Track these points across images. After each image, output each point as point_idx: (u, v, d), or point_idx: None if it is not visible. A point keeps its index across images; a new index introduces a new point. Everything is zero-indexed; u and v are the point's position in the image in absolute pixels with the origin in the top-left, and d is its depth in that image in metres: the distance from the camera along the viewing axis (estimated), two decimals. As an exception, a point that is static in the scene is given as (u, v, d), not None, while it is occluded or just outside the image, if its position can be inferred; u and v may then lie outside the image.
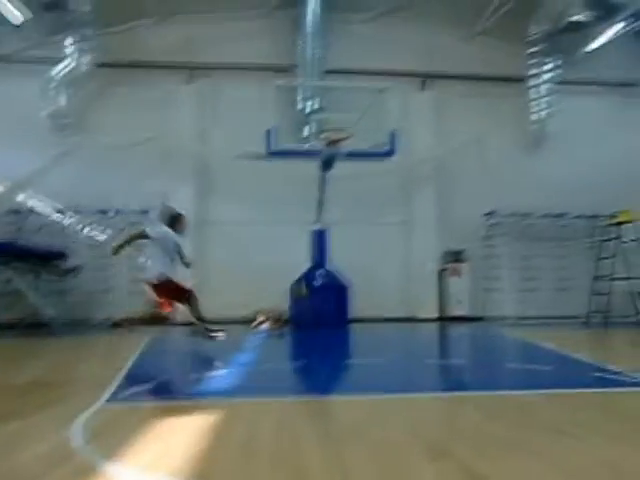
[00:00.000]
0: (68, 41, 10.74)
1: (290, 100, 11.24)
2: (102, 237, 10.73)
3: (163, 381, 4.74)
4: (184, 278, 7.39)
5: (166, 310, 7.00)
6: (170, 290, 6.92)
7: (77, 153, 10.75)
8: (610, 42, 11.35)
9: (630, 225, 10.88)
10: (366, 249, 11.49)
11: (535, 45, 11.82)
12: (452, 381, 5.21)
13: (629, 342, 8.85)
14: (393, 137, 10.21)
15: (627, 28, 11.08)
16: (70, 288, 10.26)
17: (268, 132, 10.00)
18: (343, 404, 3.81)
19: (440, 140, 12.05)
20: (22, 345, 7.94)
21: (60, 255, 10.07)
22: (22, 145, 10.39)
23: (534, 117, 12.12)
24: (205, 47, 11.66)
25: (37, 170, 10.39)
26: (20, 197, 10.61)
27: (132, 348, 6.53)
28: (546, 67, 11.96)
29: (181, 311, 7.35)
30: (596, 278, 11.12)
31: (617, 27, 11.02)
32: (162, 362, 6.47)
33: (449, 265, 11.86)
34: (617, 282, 10.71)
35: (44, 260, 9.77)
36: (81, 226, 10.78)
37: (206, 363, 6.19)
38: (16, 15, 9.87)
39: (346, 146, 9.50)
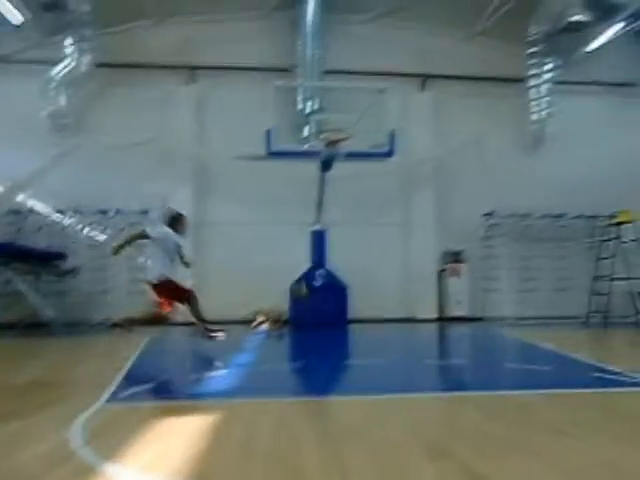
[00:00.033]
0: (68, 41, 10.73)
1: (289, 101, 11.23)
2: (102, 237, 10.73)
3: (162, 381, 4.74)
4: (184, 278, 7.40)
5: (166, 310, 7.01)
6: (170, 290, 6.92)
7: (76, 153, 10.74)
8: (610, 42, 11.35)
9: (630, 225, 10.88)
10: (365, 249, 11.49)
11: (534, 45, 11.82)
12: (452, 381, 5.21)
13: (629, 342, 8.85)
14: (392, 137, 10.21)
15: (627, 28, 11.08)
16: (70, 288, 10.26)
17: (267, 132, 10.00)
18: (342, 404, 3.81)
19: (439, 140, 12.05)
20: (22, 345, 7.94)
21: (60, 255, 10.07)
22: (22, 145, 10.38)
23: (533, 117, 12.12)
24: (204, 48, 11.66)
25: (37, 170, 10.38)
26: (20, 197, 10.60)
27: (132, 348, 6.53)
28: (545, 67, 11.96)
29: (181, 311, 7.35)
30: (596, 278, 11.13)
31: (616, 27, 11.02)
32: (161, 362, 6.47)
33: (448, 265, 11.86)
34: (617, 282, 10.70)
35: (44, 260, 9.77)
36: (81, 226, 10.77)
37: (205, 363, 6.19)
38: (16, 15, 9.86)
39: (345, 146, 9.50)
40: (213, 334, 7.26)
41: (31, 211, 10.58)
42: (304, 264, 10.24)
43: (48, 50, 10.75)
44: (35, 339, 8.42)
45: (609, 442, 2.72)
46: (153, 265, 7.07)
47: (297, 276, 10.12)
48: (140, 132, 10.86)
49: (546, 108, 12.01)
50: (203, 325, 7.26)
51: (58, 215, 10.69)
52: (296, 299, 9.95)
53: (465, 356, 7.41)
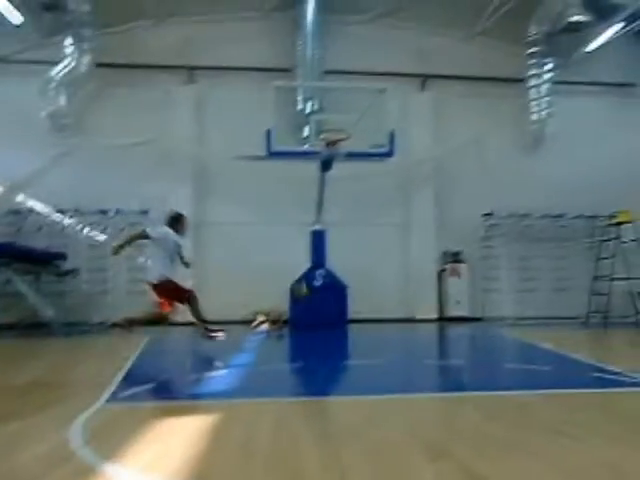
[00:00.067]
0: (67, 42, 10.74)
1: (289, 101, 11.24)
2: (102, 238, 10.73)
3: (162, 381, 4.74)
4: (184, 278, 7.40)
5: (166, 310, 7.01)
6: (170, 290, 6.93)
7: (76, 154, 10.75)
8: (609, 43, 11.36)
9: (629, 225, 10.89)
10: (365, 249, 11.50)
11: (534, 45, 11.84)
12: (451, 381, 5.21)
13: (628, 342, 8.85)
14: (392, 138, 10.22)
15: (626, 29, 11.10)
16: (69, 289, 10.26)
17: (267, 133, 10.00)
18: (342, 405, 3.81)
19: (439, 141, 12.06)
20: (21, 346, 7.94)
21: (59, 256, 10.07)
22: (21, 145, 10.39)
23: (533, 117, 12.13)
24: (204, 48, 11.66)
25: (36, 170, 10.39)
26: (19, 197, 10.60)
27: (132, 348, 6.53)
28: (545, 67, 11.98)
29: (181, 311, 7.36)
30: (595, 278, 11.13)
31: (616, 28, 11.04)
32: (161, 362, 6.47)
33: (448, 266, 11.86)
34: (616, 282, 10.72)
35: (43, 261, 9.77)
36: (81, 227, 10.77)
37: (205, 364, 6.19)
38: (15, 15, 9.86)
39: (345, 147, 9.51)
40: (213, 334, 7.27)
41: (31, 211, 10.58)
42: (304, 264, 10.24)
43: (48, 50, 10.76)
44: (35, 339, 8.42)
45: (609, 442, 2.72)
46: (153, 265, 7.08)
47: (297, 276, 10.12)
48: (140, 132, 10.87)
49: (546, 108, 12.02)
50: (203, 325, 7.27)
51: (58, 215, 10.69)
52: (296, 299, 9.95)
53: (464, 356, 7.42)
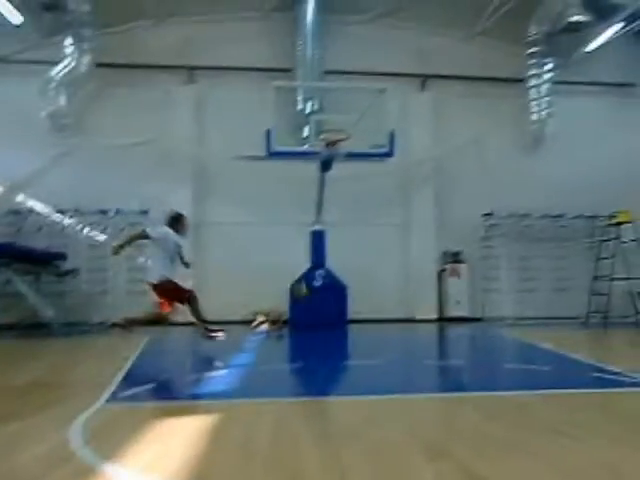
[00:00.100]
0: (67, 42, 10.74)
1: (289, 101, 11.24)
2: (102, 238, 10.73)
3: (162, 382, 4.74)
4: (184, 278, 7.40)
5: (166, 310, 7.02)
6: (170, 291, 6.93)
7: (76, 154, 10.75)
8: (609, 43, 11.36)
9: (629, 225, 10.89)
10: (365, 250, 11.50)
11: (534, 45, 11.84)
12: (451, 382, 5.21)
13: (628, 342, 8.86)
14: (392, 138, 10.22)
15: (626, 29, 11.10)
16: (69, 289, 10.26)
17: (267, 133, 10.00)
18: (341, 405, 3.81)
19: (439, 141, 12.06)
20: (21, 346, 7.94)
21: (59, 256, 10.07)
22: (21, 146, 10.39)
23: (533, 118, 12.13)
24: (204, 48, 11.66)
25: (36, 171, 10.39)
26: (19, 198, 10.60)
27: (131, 348, 6.53)
28: (545, 67, 11.98)
29: (181, 311, 7.36)
30: (595, 278, 11.14)
31: (616, 28, 11.04)
32: (161, 363, 6.47)
33: (448, 266, 11.86)
34: (616, 282, 10.72)
35: (43, 261, 9.77)
36: (80, 227, 10.78)
37: (205, 364, 6.19)
38: (15, 15, 9.86)
39: (345, 147, 9.51)
40: (213, 334, 7.27)
41: (31, 211, 10.58)
42: (304, 264, 10.24)
43: (48, 50, 10.75)
44: (35, 340, 8.42)
45: (609, 443, 2.72)
46: (153, 266, 7.09)
47: (297, 276, 10.13)
48: (139, 132, 10.87)
49: (546, 108, 12.02)
50: (203, 325, 7.27)
51: (58, 215, 10.70)
52: (296, 299, 9.96)
53: (464, 356, 7.42)
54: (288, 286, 10.13)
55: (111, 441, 2.75)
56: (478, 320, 11.52)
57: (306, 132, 11.12)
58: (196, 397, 4.10)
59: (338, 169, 9.84)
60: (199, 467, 2.36)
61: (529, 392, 4.10)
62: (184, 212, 7.74)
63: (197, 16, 11.62)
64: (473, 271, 11.85)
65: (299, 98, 11.30)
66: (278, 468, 2.38)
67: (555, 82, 12.02)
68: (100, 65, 10.96)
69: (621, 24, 10.95)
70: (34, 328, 8.90)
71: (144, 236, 7.05)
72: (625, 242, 10.89)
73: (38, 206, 10.61)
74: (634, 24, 11.04)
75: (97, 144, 10.70)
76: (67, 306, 9.85)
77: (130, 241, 7.10)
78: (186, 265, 7.37)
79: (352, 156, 9.80)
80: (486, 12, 11.48)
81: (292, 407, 3.69)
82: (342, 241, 10.53)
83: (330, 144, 9.53)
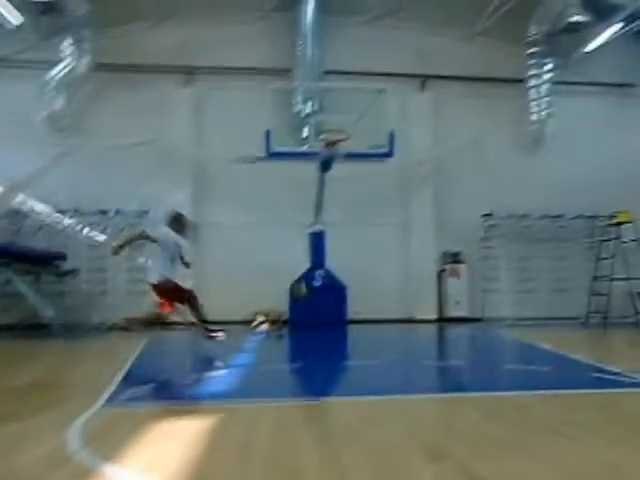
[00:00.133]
0: (65, 43, 10.72)
1: (288, 102, 11.23)
2: (101, 238, 10.73)
3: (161, 383, 4.74)
4: (183, 278, 7.39)
5: (166, 310, 7.01)
6: (170, 291, 6.92)
7: (75, 154, 10.74)
8: (608, 43, 11.36)
9: (629, 225, 10.89)
10: (364, 250, 11.49)
11: (534, 46, 11.83)
12: (450, 382, 5.21)
13: (628, 342, 8.86)
14: (391, 138, 10.21)
15: (625, 29, 11.10)
16: (69, 289, 10.25)
17: (267, 133, 10.00)
18: (341, 406, 3.81)
19: (438, 141, 12.05)
20: (21, 347, 7.94)
21: (59, 256, 10.06)
22: (20, 147, 10.38)
23: (533, 118, 12.12)
24: (202, 50, 11.64)
25: (35, 171, 10.38)
26: (19, 198, 10.60)
27: (131, 349, 6.53)
28: (545, 68, 11.97)
29: (181, 311, 7.35)
30: (595, 279, 11.13)
31: (615, 28, 11.04)
32: (160, 364, 6.46)
33: (447, 266, 11.86)
34: (616, 282, 10.72)
35: (43, 261, 9.76)
36: (80, 227, 10.77)
37: (204, 365, 6.19)
38: (14, 17, 9.85)
39: (344, 147, 9.50)
40: (213, 334, 7.27)
41: (30, 212, 10.57)
42: (303, 265, 10.24)
43: (46, 52, 10.74)
44: (34, 341, 8.41)
45: (608, 443, 2.72)
46: (154, 266, 7.08)
47: (296, 277, 10.12)
48: (139, 133, 10.86)
49: (545, 108, 12.01)
50: (203, 325, 7.26)
51: (57, 216, 10.69)
52: (296, 299, 9.96)
53: (464, 357, 7.42)
54: (288, 286, 10.13)
55: (110, 442, 2.74)
56: (478, 320, 11.51)
57: (305, 133, 11.11)
58: (195, 398, 4.10)
59: (338, 169, 9.83)
60: (198, 468, 2.35)
61: (529, 392, 4.10)
62: (184, 212, 7.72)
63: (196, 17, 11.60)
64: (473, 271, 11.84)
65: (299, 99, 11.28)
66: (277, 469, 2.38)
67: (555, 82, 12.01)
68: (99, 66, 10.95)
69: (620, 24, 10.95)
70: (33, 329, 8.89)
71: (144, 236, 7.05)
72: (625, 242, 10.88)
73: (38, 206, 10.60)
74: (633, 24, 11.03)
75: (96, 145, 10.69)
76: (67, 306, 9.84)
77: (130, 241, 7.10)
78: (186, 265, 7.36)
79: (352, 156, 9.79)
80: (486, 12, 11.47)
81: (291, 408, 3.68)
82: (342, 241, 10.52)
83: (330, 144, 9.52)
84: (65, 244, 10.46)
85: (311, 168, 9.95)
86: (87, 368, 5.82)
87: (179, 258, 7.17)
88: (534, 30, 11.70)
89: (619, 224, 10.98)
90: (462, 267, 11.83)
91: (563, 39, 11.53)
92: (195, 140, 11.55)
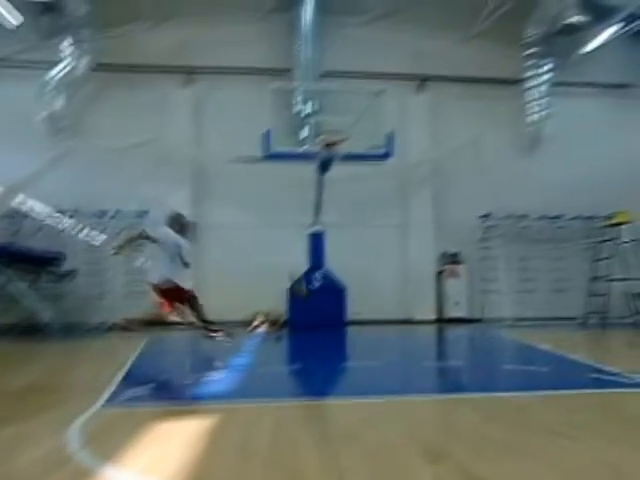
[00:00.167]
0: (65, 44, 10.71)
1: (286, 103, 11.23)
2: (99, 240, 10.71)
3: (160, 384, 4.73)
4: (183, 278, 7.37)
5: (166, 311, 7.00)
6: (171, 291, 6.91)
7: (74, 156, 10.73)
8: (606, 44, 11.38)
9: (627, 226, 10.90)
10: (363, 251, 11.48)
11: (531, 47, 11.85)
12: (450, 383, 5.21)
13: (627, 343, 8.87)
14: (390, 139, 10.22)
15: (622, 30, 11.12)
16: (67, 291, 10.22)
17: (265, 135, 9.99)
18: (340, 407, 3.80)
19: (436, 142, 12.06)
20: (18, 349, 7.91)
21: (57, 258, 10.04)
22: (19, 148, 10.36)
23: (530, 119, 12.14)
24: (201, 50, 11.64)
25: (34, 173, 10.37)
26: (17, 200, 10.58)
27: (130, 351, 6.52)
28: (541, 69, 11.98)
29: (181, 311, 7.33)
30: (593, 279, 11.14)
31: (612, 29, 11.06)
32: (159, 365, 6.45)
33: (446, 267, 11.86)
34: (614, 283, 10.73)
35: (41, 263, 9.73)
36: (78, 229, 10.75)
37: (203, 366, 6.18)
38: (14, 17, 9.84)
39: (343, 148, 9.50)
40: (213, 334, 7.25)
41: (28, 213, 10.55)
42: (302, 266, 10.23)
43: (46, 52, 10.73)
44: (31, 343, 8.39)
45: (608, 443, 2.72)
46: (155, 266, 7.07)
47: (296, 277, 10.11)
48: (137, 134, 10.86)
49: (543, 110, 12.03)
50: (204, 325, 7.24)
51: (55, 217, 10.67)
52: (295, 299, 9.95)
53: (463, 358, 7.42)
54: (287, 287, 10.12)
55: (109, 444, 2.74)
56: (477, 321, 11.52)
57: (304, 133, 11.11)
58: (195, 399, 4.09)
59: (336, 171, 9.83)
60: (197, 469, 2.35)
61: (528, 393, 4.11)
62: (183, 213, 7.71)
63: (195, 18, 11.60)
64: (472, 272, 11.84)
65: (297, 99, 11.29)
66: (277, 469, 2.38)
67: (553, 83, 12.03)
68: (98, 67, 10.95)
69: (618, 25, 10.97)
70: (31, 331, 8.87)
71: (144, 236, 7.04)
72: (625, 242, 10.90)
73: (36, 208, 10.59)
74: (631, 25, 11.06)
75: (95, 146, 10.68)
76: (65, 308, 9.82)
77: (130, 241, 7.08)
78: (186, 265, 7.34)
79: (350, 158, 9.79)
80: (483, 14, 11.49)
81: (291, 409, 3.68)
82: (341, 242, 10.52)
83: (328, 146, 9.52)
84: (63, 246, 10.44)
85: (310, 169, 9.95)
86: (86, 369, 5.80)
87: (179, 258, 7.15)
88: (531, 31, 11.72)
89: (617, 225, 10.99)
90: (461, 268, 11.83)
91: (561, 40, 11.54)
92: (195, 140, 11.54)
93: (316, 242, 10.29)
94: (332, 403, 3.98)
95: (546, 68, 11.96)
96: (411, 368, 5.88)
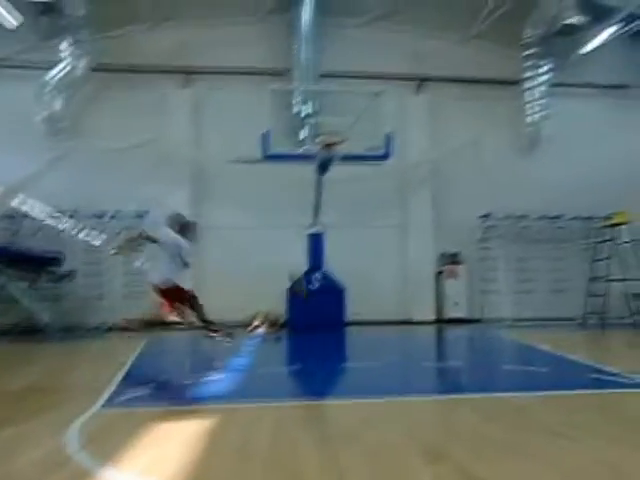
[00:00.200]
0: (63, 45, 10.71)
1: (286, 103, 11.23)
2: (98, 241, 10.70)
3: (159, 385, 4.72)
4: (183, 279, 7.36)
5: (166, 311, 6.99)
6: (172, 291, 6.90)
7: (73, 157, 10.72)
8: (604, 45, 11.39)
9: (625, 227, 10.92)
10: (363, 252, 11.48)
11: (530, 48, 11.86)
12: (449, 384, 5.21)
13: (626, 343, 8.87)
14: (388, 140, 10.22)
15: (621, 31, 11.14)
16: (65, 293, 10.21)
17: (263, 136, 9.99)
18: (340, 407, 3.80)
19: (435, 143, 12.06)
20: (17, 351, 7.91)
21: (55, 260, 10.02)
22: (18, 148, 10.35)
23: (529, 120, 12.15)
24: (200, 51, 11.64)
25: (33, 173, 10.36)
26: (15, 201, 10.57)
27: (129, 352, 6.51)
28: (541, 70, 12.00)
29: (182, 312, 7.32)
30: (592, 279, 11.14)
31: (610, 30, 11.08)
32: (158, 366, 6.44)
33: (446, 267, 11.86)
34: (613, 283, 10.74)
35: (39, 265, 9.72)
36: (77, 230, 10.74)
37: (203, 366, 6.17)
38: (14, 17, 9.82)
39: (342, 149, 9.50)
40: (214, 334, 7.24)
41: (28, 214, 10.54)
42: (302, 267, 10.23)
43: (44, 54, 10.72)
44: (30, 344, 8.38)
45: (607, 443, 2.72)
46: (156, 267, 7.06)
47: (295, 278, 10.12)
48: (136, 135, 10.85)
49: (541, 110, 12.04)
50: (205, 325, 7.23)
51: (54, 219, 10.65)
52: (295, 299, 9.94)
53: (462, 358, 7.42)
54: (287, 288, 10.12)
55: (107, 445, 2.73)
56: (476, 321, 11.52)
57: (303, 135, 11.11)
58: (194, 400, 4.09)
59: (335, 171, 9.83)
60: (197, 470, 2.35)
61: (527, 394, 4.11)
62: (182, 214, 7.70)
63: (193, 19, 11.61)
64: (471, 272, 11.85)
65: (296, 100, 11.30)
66: (277, 470, 2.38)
67: (551, 84, 12.04)
68: (97, 68, 10.94)
69: (617, 26, 10.98)
70: (30, 332, 8.86)
71: (144, 236, 7.03)
72: (627, 242, 10.90)
73: (36, 208, 10.57)
74: (629, 26, 11.08)
75: (94, 147, 10.67)
76: (65, 308, 9.81)
77: (130, 241, 7.08)
78: (186, 265, 7.33)
79: (349, 158, 9.79)
80: (481, 15, 11.50)
81: (291, 409, 3.68)
82: (340, 243, 10.52)
83: (327, 146, 9.52)
84: (63, 245, 10.43)
85: (309, 170, 9.95)
86: (86, 370, 5.80)
87: (179, 258, 7.14)
88: (529, 32, 11.73)
89: (616, 225, 11.00)
90: (460, 268, 11.83)
91: (560, 41, 11.56)
92: (194, 141, 11.54)
93: (315, 243, 10.29)
94: (332, 403, 3.97)
95: (545, 68, 11.97)
96: (411, 368, 5.88)
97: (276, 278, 10.01)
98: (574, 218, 11.80)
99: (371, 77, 11.57)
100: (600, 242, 11.24)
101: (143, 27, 11.51)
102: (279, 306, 9.98)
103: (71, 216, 10.64)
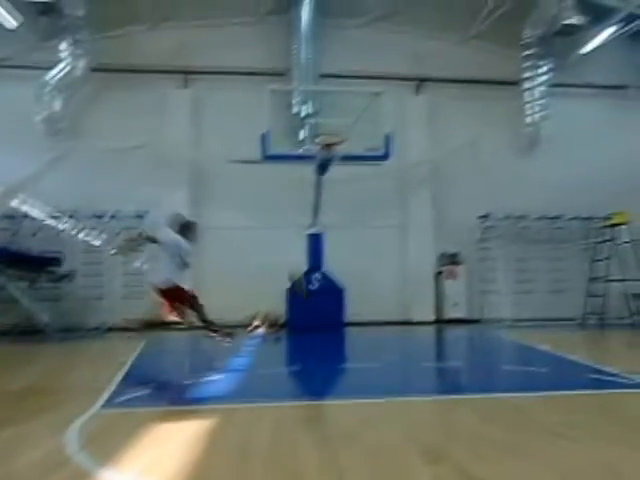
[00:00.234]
0: (63, 45, 10.70)
1: (285, 104, 11.23)
2: (97, 241, 10.69)
3: (159, 386, 4.72)
4: (183, 279, 7.36)
5: (166, 311, 6.99)
6: (172, 292, 6.90)
7: (72, 157, 10.71)
8: (603, 45, 11.40)
9: (625, 227, 10.92)
10: (362, 252, 11.48)
11: (529, 48, 11.86)
12: (449, 384, 5.21)
13: (625, 343, 8.88)
14: (388, 140, 10.21)
15: (620, 31, 11.14)
16: (65, 293, 10.21)
17: (263, 136, 9.99)
18: (340, 407, 3.80)
19: (435, 143, 12.06)
20: (16, 351, 7.90)
21: (55, 260, 10.02)
22: (18, 149, 10.34)
23: (528, 120, 12.15)
24: (199, 52, 11.64)
25: (31, 175, 10.35)
26: (15, 202, 10.56)
27: (128, 352, 6.51)
28: (540, 70, 12.00)
29: (182, 312, 7.32)
30: (591, 280, 11.15)
31: (610, 30, 11.08)
32: (158, 366, 6.45)
33: (445, 268, 11.86)
34: (613, 284, 10.74)
35: (39, 265, 9.71)
36: (76, 231, 10.74)
37: (202, 367, 6.17)
38: (13, 17, 9.82)
39: (341, 150, 9.50)
40: (214, 334, 7.24)
41: (26, 216, 10.54)
42: (301, 267, 10.22)
43: (43, 54, 10.73)
44: (30, 345, 8.38)
45: (607, 444, 2.72)
46: (156, 267, 7.06)
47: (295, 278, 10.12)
48: (136, 136, 10.83)
49: (541, 110, 12.04)
50: (206, 325, 7.23)
51: (54, 219, 10.65)
52: (295, 300, 9.94)
53: (462, 358, 7.42)
54: (286, 288, 10.11)
55: (107, 446, 2.73)
56: (476, 322, 11.52)
57: (302, 135, 11.11)
58: (193, 401, 4.09)
59: (335, 172, 9.83)
60: (197, 470, 2.35)
61: (527, 394, 4.11)
62: (181, 214, 7.70)
63: (193, 20, 11.60)
64: (470, 273, 11.85)
65: (295, 101, 11.29)
66: (277, 470, 2.38)
67: (550, 84, 12.04)
68: (96, 69, 10.94)
69: (617, 26, 10.99)
70: (29, 333, 8.86)
71: (144, 237, 7.04)
72: (627, 242, 10.91)
73: (34, 210, 10.56)
74: (629, 26, 11.08)
75: (93, 147, 10.66)
76: (64, 309, 9.81)
77: (130, 242, 7.08)
78: (186, 265, 7.33)
79: (348, 159, 9.79)
80: (481, 15, 11.50)
81: (290, 409, 3.68)
82: (340, 243, 10.51)
83: (326, 147, 9.52)
84: (63, 246, 10.43)
85: (309, 170, 9.96)
86: (85, 370, 5.80)
87: (179, 259, 7.14)
88: (529, 33, 11.74)
89: (616, 225, 11.01)
90: (460, 268, 11.83)
91: (558, 41, 11.56)
92: (193, 142, 11.54)
93: (315, 243, 10.28)
94: (332, 404, 3.98)
95: (545, 69, 11.97)
96: (410, 369, 5.89)
97: (276, 278, 10.01)
98: (574, 218, 11.80)
99: (371, 77, 11.56)
100: (600, 242, 11.25)
101: (143, 27, 11.51)
102: (279, 306, 9.98)
103: (71, 216, 10.63)
